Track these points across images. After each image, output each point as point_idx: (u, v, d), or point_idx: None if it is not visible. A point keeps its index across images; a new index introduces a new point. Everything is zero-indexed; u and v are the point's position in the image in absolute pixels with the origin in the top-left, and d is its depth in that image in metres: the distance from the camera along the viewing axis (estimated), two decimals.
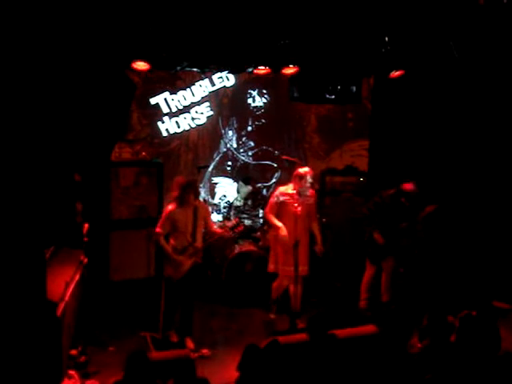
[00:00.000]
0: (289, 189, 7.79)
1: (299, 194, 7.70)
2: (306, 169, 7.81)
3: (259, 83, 10.00)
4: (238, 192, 9.69)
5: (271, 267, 8.02)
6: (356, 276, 8.67)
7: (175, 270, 7.23)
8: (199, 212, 7.29)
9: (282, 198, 7.74)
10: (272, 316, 8.20)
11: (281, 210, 7.76)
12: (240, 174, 10.10)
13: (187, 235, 7.24)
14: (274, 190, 8.19)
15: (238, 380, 5.00)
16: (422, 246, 8.70)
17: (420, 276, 8.84)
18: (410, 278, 8.67)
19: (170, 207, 7.27)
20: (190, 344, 7.35)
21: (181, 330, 7.48)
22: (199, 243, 7.32)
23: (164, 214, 7.27)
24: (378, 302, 8.25)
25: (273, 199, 7.84)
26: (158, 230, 7.23)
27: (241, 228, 8.75)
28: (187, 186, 7.25)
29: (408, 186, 7.94)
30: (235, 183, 10.08)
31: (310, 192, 7.81)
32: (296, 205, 7.60)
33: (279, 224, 7.66)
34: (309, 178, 7.72)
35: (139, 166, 9.10)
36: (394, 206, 8.00)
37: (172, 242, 7.25)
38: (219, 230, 8.11)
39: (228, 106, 10.05)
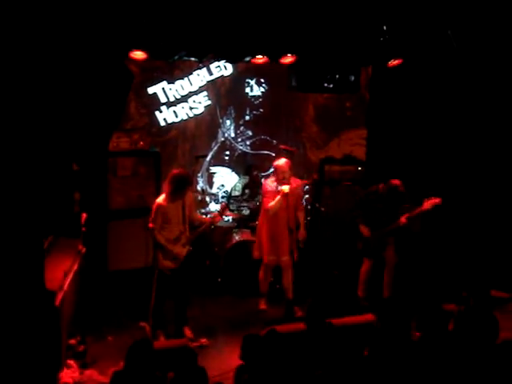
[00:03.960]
0: (271, 180, 8.05)
1: (278, 184, 7.89)
2: (278, 161, 8.01)
3: (257, 72, 9.96)
4: (239, 181, 9.75)
5: (256, 254, 8.29)
6: (354, 265, 8.69)
7: (172, 260, 7.21)
8: (186, 200, 7.27)
9: (269, 188, 7.97)
10: (262, 307, 8.31)
11: (265, 199, 8.01)
12: (238, 163, 10.10)
13: (179, 225, 7.23)
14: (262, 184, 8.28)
15: (239, 368, 5.04)
16: (420, 238, 8.72)
17: (418, 265, 8.86)
18: (409, 268, 8.69)
19: (160, 200, 7.18)
20: (189, 333, 7.38)
21: (177, 321, 7.48)
22: (188, 231, 7.34)
23: (154, 208, 7.16)
24: (379, 296, 8.26)
25: (265, 191, 8.04)
26: (150, 225, 7.16)
27: (227, 212, 8.82)
28: (185, 181, 7.22)
29: (396, 182, 7.92)
30: (233, 173, 10.08)
31: (293, 183, 7.96)
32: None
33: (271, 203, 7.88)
34: (278, 170, 7.89)
35: (137, 155, 9.08)
36: (390, 199, 7.99)
37: (164, 233, 7.18)
38: (206, 219, 8.08)
39: (226, 95, 10.01)
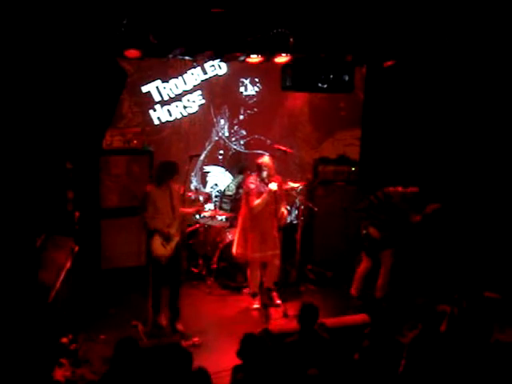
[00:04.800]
0: (254, 178, 8.07)
1: (262, 182, 7.97)
2: (263, 158, 8.12)
3: (251, 72, 9.96)
4: (233, 180, 9.76)
5: (237, 251, 8.25)
6: (348, 265, 8.69)
7: (165, 246, 7.33)
8: (173, 192, 7.40)
9: (253, 186, 7.99)
10: (255, 305, 8.31)
11: (251, 198, 8.00)
12: (232, 162, 10.09)
13: (168, 214, 7.36)
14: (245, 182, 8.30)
15: (235, 368, 5.04)
16: (417, 240, 8.73)
17: (413, 267, 8.86)
18: (405, 270, 8.69)
19: (148, 188, 7.42)
20: (181, 327, 7.45)
21: (171, 313, 7.56)
22: (178, 221, 7.45)
23: (145, 195, 7.38)
24: (372, 296, 8.27)
25: (250, 189, 8.02)
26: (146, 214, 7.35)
27: (214, 209, 9.18)
28: (172, 168, 7.41)
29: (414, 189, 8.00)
30: (227, 172, 10.08)
31: (275, 179, 7.97)
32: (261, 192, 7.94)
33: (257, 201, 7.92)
34: (264, 168, 7.97)
35: (130, 154, 9.05)
36: (399, 206, 8.02)
37: (156, 223, 7.33)
38: (190, 210, 8.17)
39: (220, 94, 10.00)
